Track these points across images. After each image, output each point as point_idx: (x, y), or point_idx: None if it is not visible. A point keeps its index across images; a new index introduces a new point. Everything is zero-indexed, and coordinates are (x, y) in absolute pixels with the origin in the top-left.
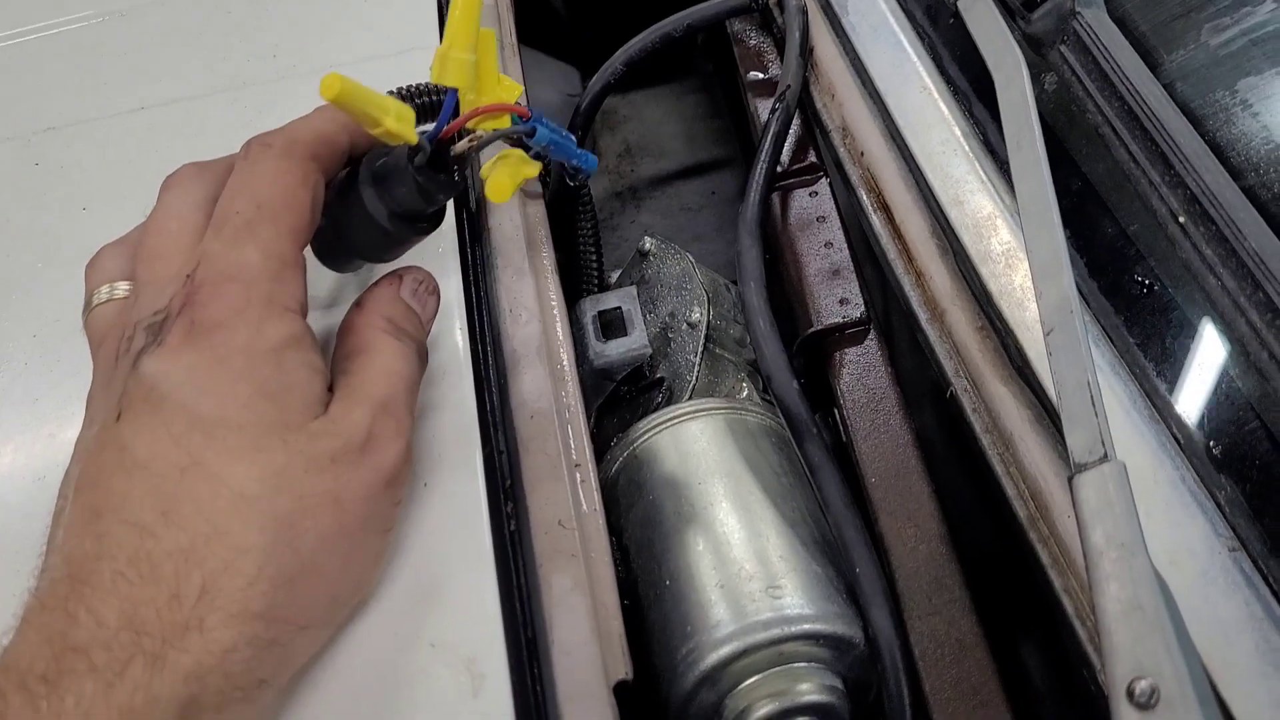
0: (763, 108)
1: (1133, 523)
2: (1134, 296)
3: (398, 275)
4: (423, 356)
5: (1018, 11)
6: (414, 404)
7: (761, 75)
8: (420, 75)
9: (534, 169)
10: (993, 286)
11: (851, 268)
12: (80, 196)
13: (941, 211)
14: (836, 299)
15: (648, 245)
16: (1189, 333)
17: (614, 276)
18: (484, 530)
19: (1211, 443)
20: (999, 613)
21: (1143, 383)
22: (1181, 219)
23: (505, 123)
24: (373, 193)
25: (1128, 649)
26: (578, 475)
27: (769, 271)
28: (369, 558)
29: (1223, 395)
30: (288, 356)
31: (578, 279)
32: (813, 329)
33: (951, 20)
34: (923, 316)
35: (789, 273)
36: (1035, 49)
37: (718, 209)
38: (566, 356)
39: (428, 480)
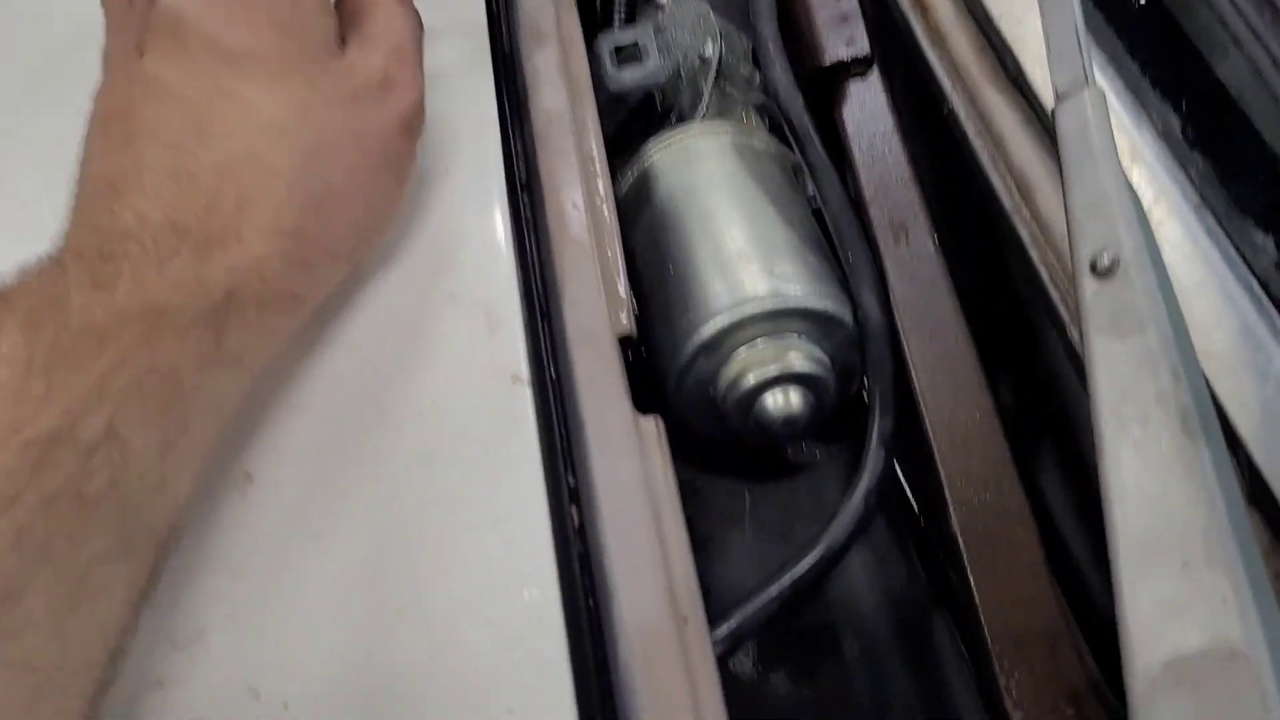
0: None
1: (1107, 136)
2: (1125, 7)
3: None
4: (420, 26)
5: None
6: (421, 60)
7: None
8: None
9: None
10: (994, 9)
11: (859, 15)
12: None
13: None
14: (843, 40)
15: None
16: (1170, 25)
17: None
18: (502, 205)
19: (1186, 125)
20: (980, 293)
21: (1126, 79)
22: None
23: None
24: None
25: (1091, 231)
26: (593, 167)
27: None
28: (388, 195)
29: (1197, 78)
30: None
31: (594, 21)
32: (820, 65)
33: None
34: (925, 44)
35: (800, 23)
36: None
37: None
38: (582, 72)
39: (449, 165)
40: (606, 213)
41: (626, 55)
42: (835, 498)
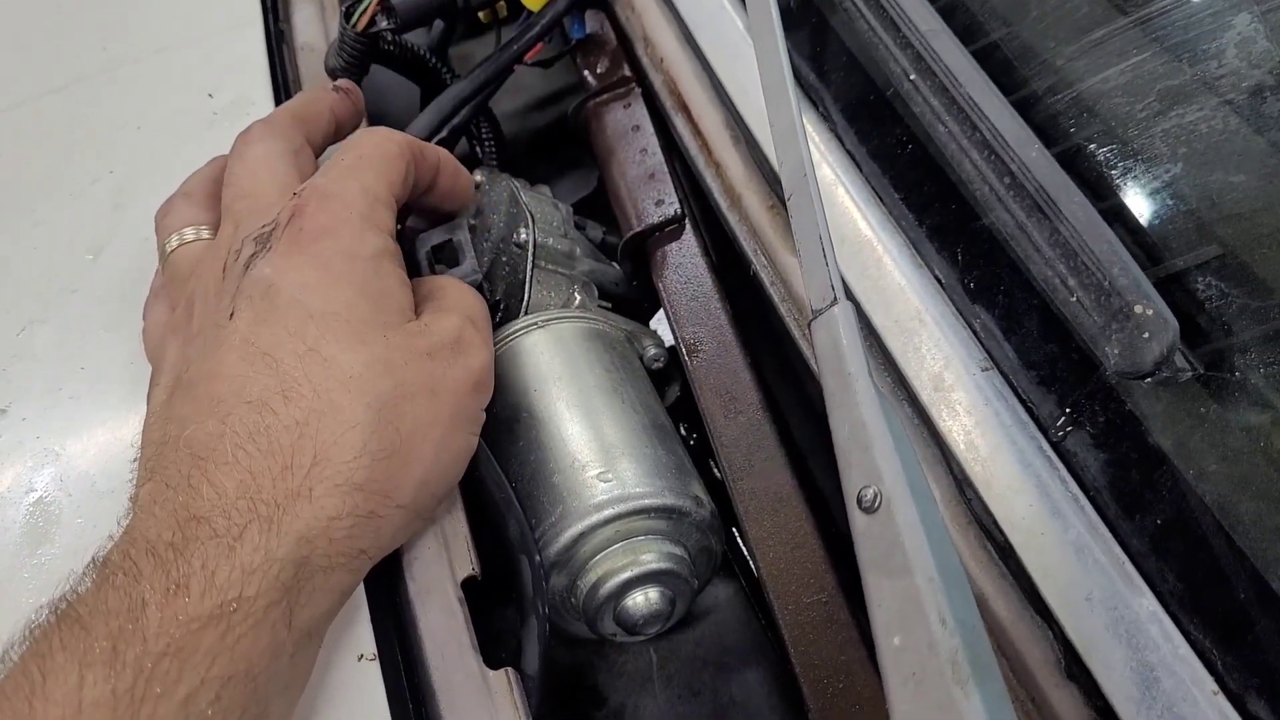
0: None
1: (858, 353)
2: (895, 156)
3: None
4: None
5: None
6: (491, 332)
7: None
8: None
9: None
10: (779, 167)
11: (666, 170)
12: None
13: (732, 103)
14: (653, 201)
15: (478, 178)
16: (937, 180)
17: None
18: None
19: (966, 278)
20: (812, 464)
21: (908, 233)
22: (912, 76)
23: None
24: None
25: (856, 464)
26: None
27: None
28: (457, 451)
29: (969, 233)
30: (383, 265)
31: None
32: (634, 231)
33: None
34: (724, 204)
35: (612, 183)
36: None
37: None
38: None
39: None
40: None
41: (444, 255)
42: (738, 644)
